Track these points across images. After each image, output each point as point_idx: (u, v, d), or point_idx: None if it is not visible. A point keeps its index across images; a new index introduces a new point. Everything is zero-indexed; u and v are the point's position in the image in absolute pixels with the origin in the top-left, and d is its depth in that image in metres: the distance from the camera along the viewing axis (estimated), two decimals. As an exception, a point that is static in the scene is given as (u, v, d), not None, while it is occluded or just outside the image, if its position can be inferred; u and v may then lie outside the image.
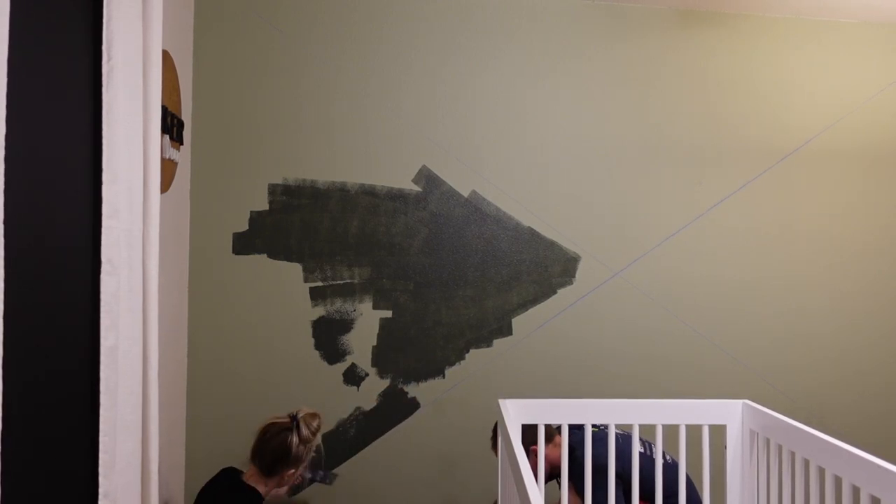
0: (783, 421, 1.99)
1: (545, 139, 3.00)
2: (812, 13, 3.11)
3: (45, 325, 1.43)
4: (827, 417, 3.11)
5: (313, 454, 2.38)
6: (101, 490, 1.51)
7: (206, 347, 2.76)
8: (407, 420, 2.89)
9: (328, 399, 2.85)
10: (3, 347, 1.07)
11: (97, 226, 1.57)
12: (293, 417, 2.33)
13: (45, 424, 1.44)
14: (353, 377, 2.87)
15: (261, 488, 2.25)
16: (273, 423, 2.33)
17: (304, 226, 2.84)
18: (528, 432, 2.32)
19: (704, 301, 3.08)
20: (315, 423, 2.37)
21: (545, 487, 2.35)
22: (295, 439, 2.28)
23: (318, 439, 2.41)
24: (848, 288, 3.17)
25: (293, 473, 2.30)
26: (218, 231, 2.77)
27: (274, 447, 2.27)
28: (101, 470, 1.51)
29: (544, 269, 2.98)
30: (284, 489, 2.35)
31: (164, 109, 2.17)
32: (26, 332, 1.33)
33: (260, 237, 2.81)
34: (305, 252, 2.84)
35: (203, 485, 2.33)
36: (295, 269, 2.84)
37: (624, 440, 2.36)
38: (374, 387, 2.88)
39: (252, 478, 2.28)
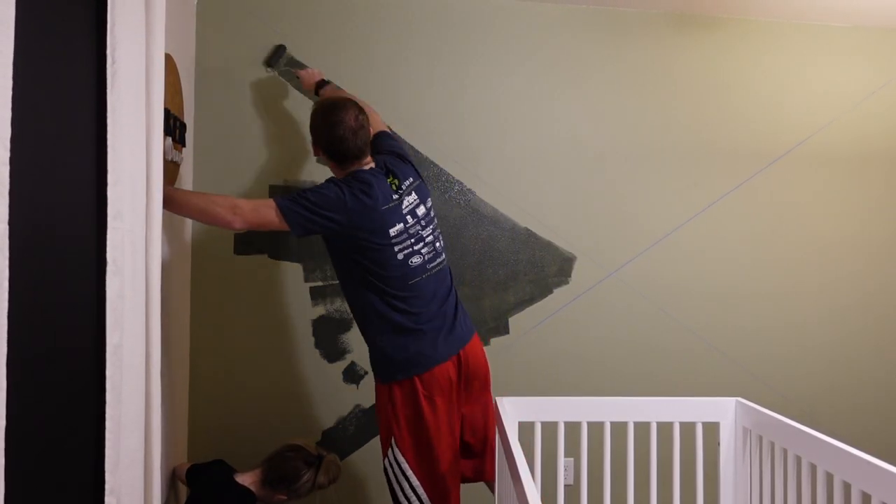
0: (775, 418, 2.02)
1: (541, 141, 3.04)
2: (803, 17, 3.15)
3: (50, 323, 1.46)
4: (818, 415, 3.14)
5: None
6: (106, 486, 1.53)
7: (207, 346, 2.79)
8: (406, 418, 2.92)
9: (328, 397, 2.88)
10: (8, 345, 1.09)
11: (101, 227, 1.60)
12: (320, 456, 2.35)
13: (51, 421, 1.47)
14: (352, 375, 2.90)
15: (255, 490, 2.27)
16: (301, 449, 2.35)
17: (304, 226, 2.87)
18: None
19: (698, 300, 3.11)
20: (333, 473, 2.39)
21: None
22: (308, 476, 2.31)
23: (330, 489, 2.43)
24: (840, 288, 3.21)
25: (283, 499, 2.32)
26: (220, 231, 2.80)
27: (287, 469, 2.29)
28: (106, 466, 1.54)
29: (541, 269, 3.02)
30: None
31: (167, 112, 2.19)
32: (31, 331, 1.35)
33: (261, 237, 2.84)
34: (306, 252, 2.87)
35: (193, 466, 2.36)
36: (295, 268, 2.87)
37: None
38: (374, 385, 2.90)
39: (249, 478, 2.29)
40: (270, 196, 2.84)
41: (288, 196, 2.19)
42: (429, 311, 2.28)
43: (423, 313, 2.27)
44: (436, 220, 2.41)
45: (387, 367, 2.29)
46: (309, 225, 2.18)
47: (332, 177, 2.33)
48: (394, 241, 2.23)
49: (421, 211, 2.33)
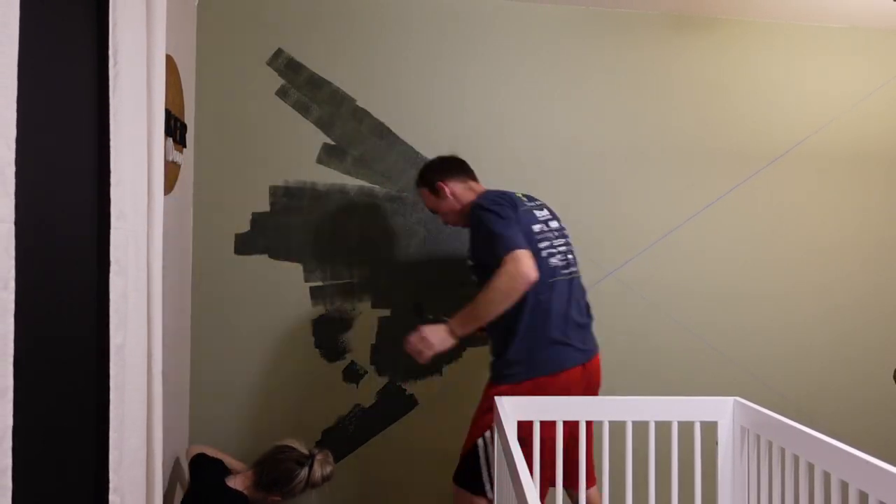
0: (773, 418, 2.02)
1: (540, 141, 3.05)
2: (801, 18, 3.16)
3: (54, 323, 1.47)
4: (817, 414, 3.16)
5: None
6: (111, 485, 1.55)
7: (208, 345, 2.80)
8: (405, 417, 2.94)
9: (328, 396, 2.89)
10: (14, 346, 1.10)
11: (103, 227, 1.61)
12: (311, 455, 2.35)
13: (56, 421, 1.48)
14: (352, 375, 2.91)
15: (247, 493, 2.28)
16: (292, 448, 2.35)
17: (304, 226, 2.88)
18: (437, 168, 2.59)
19: (696, 300, 3.13)
20: (328, 471, 2.40)
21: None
22: (302, 475, 2.30)
23: (325, 488, 2.43)
24: (837, 288, 3.22)
25: (277, 500, 2.32)
26: (220, 232, 2.81)
27: (280, 471, 2.29)
28: (110, 465, 1.55)
29: (540, 269, 3.02)
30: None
31: (168, 113, 2.20)
32: (36, 331, 1.36)
33: (261, 238, 2.85)
34: (306, 252, 2.88)
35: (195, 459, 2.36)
36: (295, 268, 2.88)
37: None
38: (373, 384, 2.92)
39: (241, 482, 2.29)
40: (270, 195, 2.86)
41: (500, 233, 2.24)
42: (564, 314, 2.34)
43: (559, 316, 2.33)
44: (568, 239, 2.52)
45: (512, 368, 2.32)
46: (518, 235, 2.26)
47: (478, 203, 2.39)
48: (537, 237, 2.36)
49: (554, 224, 2.49)
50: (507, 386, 2.31)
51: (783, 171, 3.20)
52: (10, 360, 1.08)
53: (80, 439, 1.61)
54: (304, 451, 2.37)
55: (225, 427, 2.80)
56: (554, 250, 2.39)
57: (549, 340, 2.31)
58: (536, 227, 2.38)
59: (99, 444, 1.63)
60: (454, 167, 2.57)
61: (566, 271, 2.41)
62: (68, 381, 1.54)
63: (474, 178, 2.60)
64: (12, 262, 1.09)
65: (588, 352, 2.42)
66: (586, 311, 2.51)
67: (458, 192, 2.53)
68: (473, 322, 2.31)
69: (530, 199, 2.52)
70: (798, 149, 3.21)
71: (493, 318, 2.28)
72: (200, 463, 2.37)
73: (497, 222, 2.27)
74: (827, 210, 3.23)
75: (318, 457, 2.38)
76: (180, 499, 2.55)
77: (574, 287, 2.44)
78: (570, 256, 2.47)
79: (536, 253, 2.30)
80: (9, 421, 1.08)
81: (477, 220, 2.33)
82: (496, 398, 2.18)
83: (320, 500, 2.85)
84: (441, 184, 2.53)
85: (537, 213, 2.46)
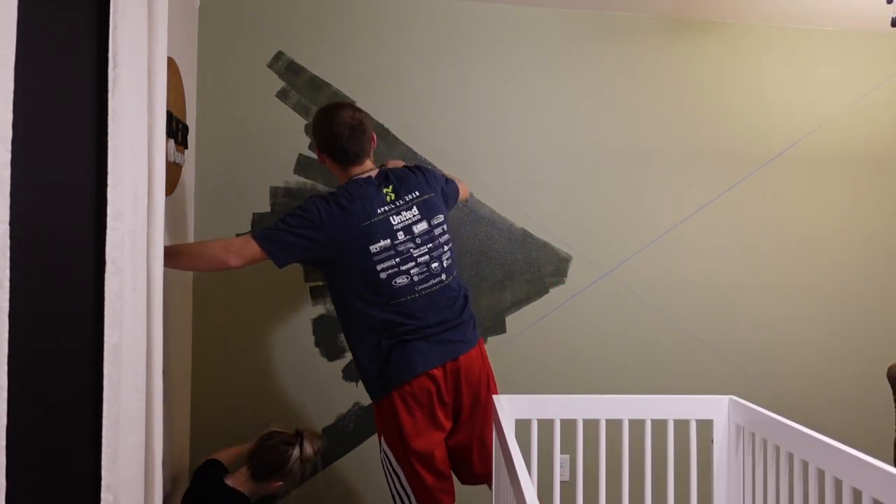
0: (768, 416, 2.03)
1: (537, 143, 3.06)
2: (795, 21, 3.17)
3: (50, 323, 1.48)
4: (811, 412, 3.16)
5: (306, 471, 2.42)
6: (103, 483, 1.55)
7: (210, 345, 2.82)
8: (404, 416, 2.94)
9: (328, 395, 2.91)
10: (8, 344, 1.11)
11: (101, 227, 1.62)
12: (299, 433, 2.37)
13: (50, 419, 1.49)
14: (352, 373, 2.93)
15: (246, 489, 2.29)
16: (277, 433, 2.37)
17: (303, 227, 2.89)
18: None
19: (692, 300, 3.14)
20: (318, 444, 2.41)
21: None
22: (295, 454, 2.32)
23: (319, 461, 2.44)
24: (831, 288, 3.23)
25: (279, 486, 2.34)
26: (221, 232, 2.83)
27: (272, 458, 2.31)
28: (103, 463, 1.55)
29: (537, 269, 3.04)
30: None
31: (170, 114, 2.21)
32: (31, 331, 1.37)
33: (261, 238, 2.86)
34: (305, 252, 2.89)
35: (192, 477, 2.38)
36: (296, 269, 2.90)
37: None
38: (373, 384, 2.93)
39: (239, 479, 2.31)
40: (271, 196, 2.88)
41: (267, 226, 2.16)
42: (412, 326, 2.19)
43: (404, 329, 2.18)
44: (441, 239, 2.27)
45: (370, 385, 2.25)
46: (289, 251, 2.12)
47: (315, 194, 2.27)
48: (375, 258, 2.15)
49: (420, 228, 2.22)
50: (377, 399, 2.25)
51: (778, 172, 3.21)
52: (5, 359, 1.09)
53: (76, 438, 1.62)
54: (291, 431, 2.38)
55: (225, 426, 2.81)
56: (403, 267, 2.17)
57: (390, 356, 2.17)
58: (378, 246, 2.14)
59: (95, 442, 1.63)
60: (329, 144, 2.26)
61: (423, 286, 2.20)
62: (64, 380, 1.55)
63: (354, 161, 2.27)
64: (7, 263, 1.10)
65: (441, 353, 2.21)
66: (459, 312, 2.28)
67: (332, 168, 2.35)
68: (171, 256, 2.09)
69: (407, 190, 2.25)
70: (793, 150, 3.22)
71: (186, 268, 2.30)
72: (203, 465, 2.40)
73: (287, 224, 2.12)
74: (821, 210, 3.24)
75: (306, 433, 2.39)
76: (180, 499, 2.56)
77: (437, 297, 2.22)
78: (434, 265, 2.23)
79: (373, 276, 2.15)
80: (3, 420, 1.09)
81: (300, 206, 2.17)
82: (495, 397, 2.18)
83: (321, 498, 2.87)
84: (318, 150, 2.33)
85: (396, 218, 2.19)
